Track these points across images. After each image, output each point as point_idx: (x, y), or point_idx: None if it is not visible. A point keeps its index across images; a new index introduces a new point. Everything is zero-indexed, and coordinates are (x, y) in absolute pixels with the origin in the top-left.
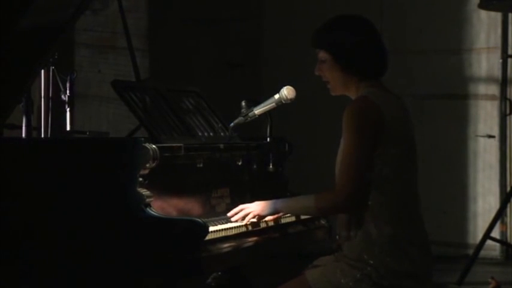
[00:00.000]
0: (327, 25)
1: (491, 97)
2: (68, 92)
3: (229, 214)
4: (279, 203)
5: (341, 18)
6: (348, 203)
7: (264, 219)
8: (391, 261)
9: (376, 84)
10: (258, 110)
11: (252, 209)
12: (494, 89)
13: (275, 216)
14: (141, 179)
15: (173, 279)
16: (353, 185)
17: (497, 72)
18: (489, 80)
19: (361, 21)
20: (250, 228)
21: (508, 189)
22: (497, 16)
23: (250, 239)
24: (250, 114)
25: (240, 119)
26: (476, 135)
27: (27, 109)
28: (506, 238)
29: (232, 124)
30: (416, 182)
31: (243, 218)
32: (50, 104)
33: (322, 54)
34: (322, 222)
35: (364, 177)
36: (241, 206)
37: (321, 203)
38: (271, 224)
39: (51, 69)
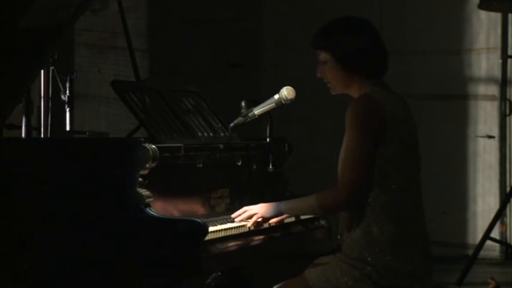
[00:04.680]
0: (326, 26)
1: (491, 97)
2: (67, 92)
3: (233, 215)
4: (282, 204)
5: (340, 19)
6: (349, 201)
7: (268, 222)
8: (391, 260)
9: (378, 83)
10: (257, 110)
11: (256, 211)
12: (494, 90)
13: (279, 218)
14: (141, 179)
15: (173, 279)
16: (355, 182)
17: (497, 73)
18: (489, 80)
19: (360, 21)
20: (250, 228)
21: (508, 189)
22: (497, 16)
23: (249, 239)
24: (250, 114)
25: (239, 119)
26: (476, 136)
27: (27, 109)
28: (505, 238)
29: (232, 124)
30: (418, 182)
31: (247, 219)
32: (50, 104)
33: (323, 55)
34: (322, 222)
35: (366, 175)
36: (245, 208)
37: (323, 201)
38: (272, 224)
39: (51, 69)
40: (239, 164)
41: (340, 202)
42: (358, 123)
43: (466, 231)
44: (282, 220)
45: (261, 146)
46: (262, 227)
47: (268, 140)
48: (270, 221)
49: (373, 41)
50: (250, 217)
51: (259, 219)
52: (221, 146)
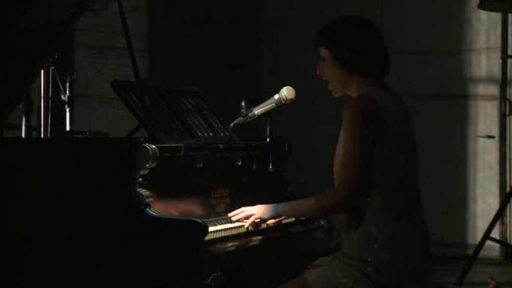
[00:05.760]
0: (328, 24)
1: (491, 97)
2: (67, 92)
3: (230, 214)
4: (280, 206)
5: (341, 18)
6: (349, 202)
7: (265, 223)
8: (390, 259)
9: (377, 83)
10: (257, 110)
11: (254, 212)
12: (494, 90)
13: (276, 220)
14: (140, 179)
15: (173, 279)
16: (354, 183)
17: (497, 73)
18: (489, 80)
19: (361, 20)
20: (248, 228)
21: (508, 189)
22: (497, 16)
23: (249, 240)
24: (250, 114)
25: (239, 119)
26: (476, 136)
27: (27, 109)
28: (505, 238)
29: (232, 124)
30: (417, 182)
31: (244, 220)
32: (50, 104)
33: (323, 52)
34: (322, 222)
35: (364, 176)
36: (242, 208)
37: (322, 203)
38: (269, 224)
39: (51, 69)
40: (239, 164)
41: (340, 204)
42: (355, 123)
43: (466, 231)
44: (280, 221)
45: (261, 146)
46: (259, 226)
47: (268, 140)
48: (268, 222)
49: (372, 41)
50: (247, 217)
51: (257, 220)
52: (221, 146)
